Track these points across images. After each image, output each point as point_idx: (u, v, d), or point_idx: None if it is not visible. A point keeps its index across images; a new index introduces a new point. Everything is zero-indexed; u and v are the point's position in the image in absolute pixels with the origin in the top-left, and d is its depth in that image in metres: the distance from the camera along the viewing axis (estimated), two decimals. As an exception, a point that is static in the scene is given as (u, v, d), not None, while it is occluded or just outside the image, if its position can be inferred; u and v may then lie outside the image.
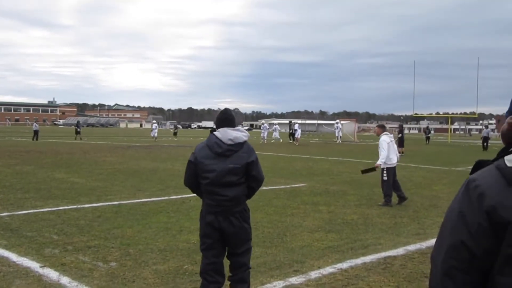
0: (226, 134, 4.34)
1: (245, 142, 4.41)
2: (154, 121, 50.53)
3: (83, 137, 44.35)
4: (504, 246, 1.17)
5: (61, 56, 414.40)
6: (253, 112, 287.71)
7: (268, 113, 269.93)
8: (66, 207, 9.78)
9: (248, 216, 4.51)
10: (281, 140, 43.82)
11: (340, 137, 47.47)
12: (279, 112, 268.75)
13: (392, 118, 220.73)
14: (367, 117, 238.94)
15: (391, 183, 10.79)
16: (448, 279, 1.26)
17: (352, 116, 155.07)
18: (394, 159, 10.90)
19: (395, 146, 11.27)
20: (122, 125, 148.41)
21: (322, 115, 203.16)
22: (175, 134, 50.52)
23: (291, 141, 44.11)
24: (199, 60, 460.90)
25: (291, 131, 46.32)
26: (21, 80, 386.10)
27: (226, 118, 4.45)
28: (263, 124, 48.47)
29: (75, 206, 9.89)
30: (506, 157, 1.25)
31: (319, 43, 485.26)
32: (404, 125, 45.61)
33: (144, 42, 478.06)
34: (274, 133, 46.12)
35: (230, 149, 4.31)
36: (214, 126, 4.57)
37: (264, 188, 13.01)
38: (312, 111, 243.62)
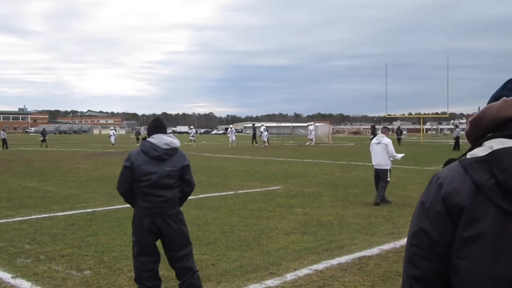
0: (162, 139, 4.53)
1: (178, 147, 4.63)
2: (112, 128, 50.82)
3: (49, 145, 43.82)
4: (459, 230, 1.22)
5: (31, 63, 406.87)
6: (227, 116, 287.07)
7: (243, 117, 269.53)
8: (38, 216, 9.61)
9: (183, 219, 4.64)
10: (234, 145, 43.54)
11: (312, 139, 47.79)
12: (254, 116, 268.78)
13: (365, 119, 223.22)
14: (341, 118, 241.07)
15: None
16: (411, 265, 1.31)
17: (326, 118, 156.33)
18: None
19: None
20: (96, 131, 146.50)
21: (297, 117, 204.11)
22: (138, 140, 50.05)
23: (252, 144, 44.27)
24: (172, 65, 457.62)
25: (254, 134, 46.75)
26: None
27: (160, 125, 4.69)
28: (230, 128, 48.53)
29: (47, 215, 9.72)
30: (469, 153, 1.30)
31: (293, 46, 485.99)
32: (377, 126, 46.23)
33: (115, 47, 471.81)
34: (230, 136, 46.06)
35: (167, 153, 4.50)
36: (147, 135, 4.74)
37: (240, 191, 13.03)
38: (287, 114, 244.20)
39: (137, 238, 4.48)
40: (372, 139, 29.60)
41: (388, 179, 11.12)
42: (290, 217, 9.53)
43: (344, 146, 43.65)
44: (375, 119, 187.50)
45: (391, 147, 11.12)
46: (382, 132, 11.70)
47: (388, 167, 11.11)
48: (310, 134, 48.65)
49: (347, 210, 10.34)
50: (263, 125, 48.09)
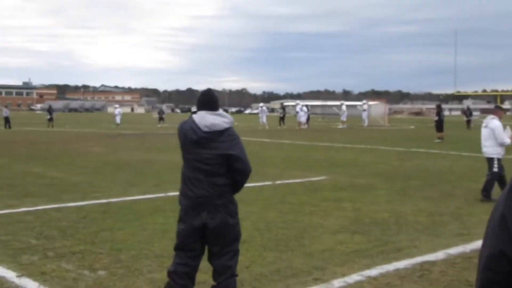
0: (204, 119, 4.51)
1: (226, 129, 4.55)
2: (117, 105, 51.64)
3: (56, 124, 44.83)
4: None
5: (34, 29, 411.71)
6: (264, 92, 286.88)
7: (281, 94, 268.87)
8: (45, 207, 9.87)
9: (235, 211, 4.65)
10: (267, 127, 43.70)
11: (344, 121, 47.81)
12: (295, 92, 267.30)
13: (429, 97, 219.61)
14: (400, 96, 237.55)
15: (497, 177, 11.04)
16: None
17: (381, 96, 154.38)
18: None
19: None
20: (110, 109, 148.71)
21: (346, 95, 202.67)
22: (161, 119, 50.76)
23: (280, 126, 44.30)
24: (197, 32, 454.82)
25: (281, 114, 46.86)
26: None
27: (209, 100, 4.65)
28: (261, 106, 48.53)
29: (56, 205, 9.97)
30: None
31: (338, 9, 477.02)
32: (444, 106, 45.47)
33: (128, 10, 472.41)
34: (260, 117, 46.15)
35: (205, 137, 4.49)
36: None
37: (278, 182, 13.06)
38: (334, 91, 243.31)
39: (180, 228, 4.63)
40: (436, 120, 29.38)
41: (495, 169, 10.97)
42: (338, 213, 9.50)
43: (403, 130, 43.14)
44: (441, 97, 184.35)
45: (498, 131, 10.94)
46: (494, 113, 11.51)
47: (494, 155, 10.99)
48: (343, 114, 48.51)
49: (406, 206, 10.24)
50: (298, 103, 48.06)
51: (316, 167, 16.26)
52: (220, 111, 4.69)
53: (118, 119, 47.07)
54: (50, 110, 46.14)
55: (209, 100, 4.65)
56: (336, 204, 10.30)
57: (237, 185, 4.70)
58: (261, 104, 52.38)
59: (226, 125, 4.56)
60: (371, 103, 62.82)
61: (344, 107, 49.23)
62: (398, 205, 10.28)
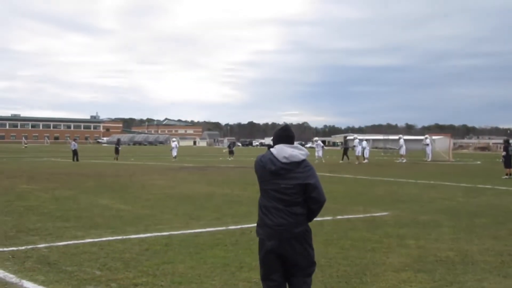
0: (282, 151, 4.80)
1: (303, 161, 4.83)
2: (174, 139, 52.56)
3: (122, 157, 46.11)
4: None
5: (103, 65, 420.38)
6: (325, 126, 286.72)
7: (343, 127, 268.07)
8: (110, 238, 10.08)
9: (311, 238, 4.91)
10: (323, 161, 43.50)
11: (403, 155, 47.16)
12: (357, 126, 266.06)
13: (496, 132, 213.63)
14: (465, 131, 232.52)
15: None
16: None
17: (446, 130, 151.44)
18: None
19: None
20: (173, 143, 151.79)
21: (409, 129, 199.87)
22: (231, 152, 51.42)
23: (342, 161, 43.81)
24: (259, 67, 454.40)
25: (344, 148, 46.94)
26: (60, 93, 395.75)
27: (288, 135, 4.95)
28: (316, 141, 48.43)
29: (120, 237, 10.17)
30: None
31: (400, 42, 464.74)
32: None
33: (195, 46, 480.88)
34: (316, 151, 45.92)
35: (284, 168, 4.75)
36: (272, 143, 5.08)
37: (339, 217, 12.92)
38: (396, 124, 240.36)
39: (260, 258, 4.87)
40: (504, 156, 28.40)
41: None
42: (401, 250, 9.30)
43: (468, 165, 42.05)
44: (509, 132, 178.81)
45: None
46: None
47: None
48: (401, 148, 47.80)
49: (473, 244, 9.92)
50: (356, 138, 47.71)
51: (378, 203, 16.01)
52: (296, 144, 4.96)
53: (174, 152, 47.83)
54: (118, 143, 47.77)
55: (287, 135, 4.95)
56: (399, 241, 10.09)
57: (312, 214, 4.91)
58: (316, 138, 52.47)
59: (303, 157, 4.81)
60: (435, 137, 61.60)
61: (401, 141, 48.63)
62: (464, 243, 9.96)
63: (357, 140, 45.39)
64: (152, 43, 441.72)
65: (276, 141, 4.95)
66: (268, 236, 4.73)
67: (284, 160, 4.74)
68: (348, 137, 49.95)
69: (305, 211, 4.82)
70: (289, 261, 4.74)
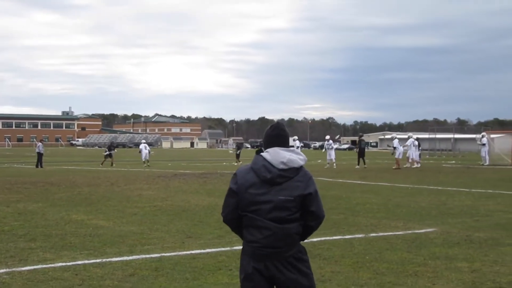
0: (278, 155, 4.74)
1: (301, 167, 4.80)
2: (143, 140, 52.49)
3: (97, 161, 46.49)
4: None
5: (75, 49, 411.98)
6: (355, 123, 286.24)
7: (378, 124, 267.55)
8: (86, 262, 10.12)
9: (307, 260, 4.79)
10: (334, 166, 43.24)
11: (416, 160, 45.39)
12: (395, 122, 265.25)
13: None
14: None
15: None
16: None
17: (507, 127, 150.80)
18: None
19: None
20: (166, 144, 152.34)
21: (461, 125, 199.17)
22: (238, 156, 51.38)
23: (358, 166, 42.91)
24: (270, 49, 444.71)
25: (357, 148, 46.34)
26: (24, 84, 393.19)
27: (279, 134, 4.89)
28: (327, 140, 47.39)
29: (98, 260, 10.21)
30: None
31: (448, 17, 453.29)
32: None
33: (190, 25, 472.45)
34: (328, 154, 45.38)
35: (282, 175, 4.71)
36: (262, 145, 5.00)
37: (373, 234, 12.92)
38: (445, 120, 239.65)
39: (243, 283, 4.79)
40: None
41: None
42: (450, 274, 9.30)
43: (536, 170, 41.85)
44: None
45: None
46: None
47: None
48: (410, 150, 45.77)
49: (541, 267, 9.89)
50: (395, 137, 47.15)
51: (422, 216, 15.98)
52: (293, 147, 4.88)
53: (143, 155, 47.56)
54: (111, 146, 47.94)
55: (280, 134, 4.92)
56: (448, 264, 10.09)
57: (308, 232, 4.89)
58: (327, 137, 50.56)
59: (302, 162, 4.78)
60: (493, 135, 61.34)
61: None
62: (530, 266, 9.94)
63: (396, 140, 45.09)
64: (136, 21, 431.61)
65: (268, 143, 4.90)
66: (255, 258, 4.71)
67: (281, 166, 4.70)
68: (362, 136, 48.19)
69: (301, 229, 4.79)
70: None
